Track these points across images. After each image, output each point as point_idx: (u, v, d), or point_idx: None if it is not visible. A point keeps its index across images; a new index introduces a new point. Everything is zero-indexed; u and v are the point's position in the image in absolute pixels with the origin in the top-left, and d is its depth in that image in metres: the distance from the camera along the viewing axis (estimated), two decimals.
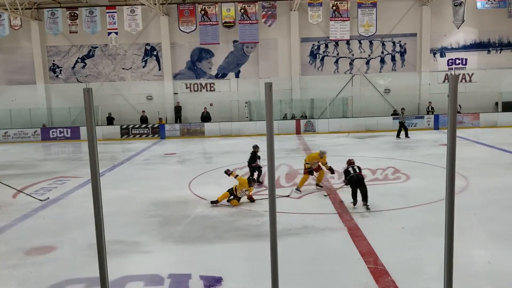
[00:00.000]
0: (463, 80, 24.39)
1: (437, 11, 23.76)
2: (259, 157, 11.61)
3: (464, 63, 24.52)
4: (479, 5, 22.75)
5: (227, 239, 7.59)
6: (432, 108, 23.45)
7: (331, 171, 10.74)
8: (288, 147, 18.42)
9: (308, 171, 10.65)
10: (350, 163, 9.39)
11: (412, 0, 23.96)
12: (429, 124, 22.75)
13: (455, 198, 8.88)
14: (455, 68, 24.44)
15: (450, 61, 24.53)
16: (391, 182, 11.38)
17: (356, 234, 7.52)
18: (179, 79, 24.92)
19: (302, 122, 23.20)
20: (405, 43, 24.36)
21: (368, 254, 6.62)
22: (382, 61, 24.53)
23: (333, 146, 18.03)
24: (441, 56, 24.50)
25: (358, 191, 8.99)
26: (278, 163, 13.99)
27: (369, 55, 24.51)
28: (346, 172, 9.22)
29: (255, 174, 11.55)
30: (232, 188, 9.65)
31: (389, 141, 19.29)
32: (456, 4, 22.77)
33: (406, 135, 19.75)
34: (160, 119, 24.40)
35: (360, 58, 24.55)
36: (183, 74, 24.97)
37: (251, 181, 9.88)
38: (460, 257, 6.24)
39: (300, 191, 10.50)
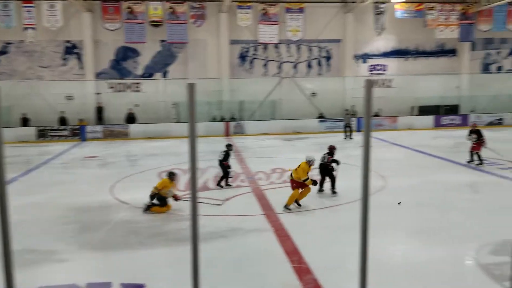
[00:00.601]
0: (383, 85, 25.74)
1: (360, 19, 24.89)
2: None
3: (384, 69, 25.90)
4: (398, 14, 24.15)
5: (151, 244, 7.34)
6: (354, 111, 24.44)
7: (315, 183, 9.66)
8: (216, 149, 18.19)
9: (299, 185, 9.28)
10: (330, 148, 10.75)
11: (337, 7, 24.89)
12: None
13: (374, 197, 9.24)
14: (376, 73, 25.75)
15: (372, 66, 25.81)
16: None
17: (282, 234, 7.62)
18: (102, 79, 23.86)
19: (232, 124, 23.22)
20: (331, 49, 25.25)
21: (293, 254, 6.73)
22: (309, 65, 25.25)
23: (261, 148, 18.24)
24: (364, 62, 25.69)
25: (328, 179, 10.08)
26: (206, 165, 13.88)
27: (296, 59, 25.11)
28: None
29: (224, 176, 11.36)
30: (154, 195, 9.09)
31: (315, 142, 19.82)
32: (377, 12, 24.07)
33: (350, 137, 20.73)
34: (81, 120, 23.19)
35: (288, 62, 25.07)
36: (106, 74, 23.95)
37: (171, 176, 9.27)
38: (379, 253, 6.54)
39: (289, 209, 9.11)
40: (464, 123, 24.54)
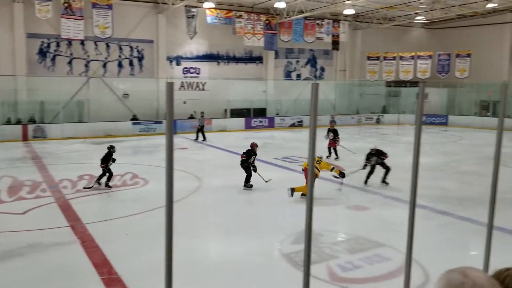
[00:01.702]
0: (197, 88, 26.39)
1: (172, 21, 24.97)
2: (113, 159, 11.23)
3: (198, 72, 26.58)
4: (209, 19, 25.04)
5: None
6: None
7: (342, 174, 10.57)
8: (12, 156, 16.12)
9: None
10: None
11: (148, 7, 24.47)
12: None
13: (190, 198, 9.30)
14: (190, 76, 26.24)
15: (186, 69, 26.21)
16: (129, 188, 11.27)
17: (90, 246, 7.11)
18: None
19: (30, 127, 20.68)
20: (143, 49, 24.71)
21: (102, 265, 6.36)
22: (120, 65, 24.24)
23: (67, 153, 16.76)
24: (177, 64, 25.90)
25: None
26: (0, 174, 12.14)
27: (106, 58, 23.82)
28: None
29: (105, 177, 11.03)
30: None
31: (129, 146, 19.16)
32: (189, 16, 24.53)
33: (204, 138, 20.92)
34: None
35: (97, 60, 23.62)
36: None
37: None
38: (193, 252, 6.63)
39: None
40: (270, 124, 26.98)
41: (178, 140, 20.80)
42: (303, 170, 10.77)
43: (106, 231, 7.88)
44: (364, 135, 23.33)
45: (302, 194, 9.92)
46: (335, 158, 15.52)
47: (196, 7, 24.28)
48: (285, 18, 26.63)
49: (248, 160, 10.98)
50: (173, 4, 23.15)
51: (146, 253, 6.83)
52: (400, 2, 25.28)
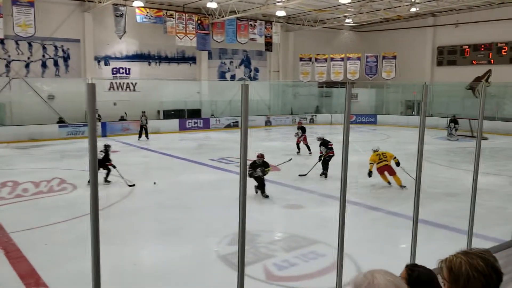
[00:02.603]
0: (128, 89, 25.58)
1: (100, 20, 24.01)
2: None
3: (128, 72, 25.76)
4: (138, 18, 24.36)
5: None
6: (99, 115, 23.56)
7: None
8: None
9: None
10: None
11: (73, 5, 23.34)
12: (98, 132, 22.76)
13: (121, 203, 8.97)
14: (119, 76, 25.39)
15: (115, 69, 25.32)
16: (56, 194, 10.69)
17: (14, 256, 6.68)
18: None
19: None
20: (69, 48, 23.53)
21: (29, 276, 6.03)
22: (44, 65, 22.89)
23: None
24: (106, 64, 24.94)
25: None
26: None
27: (28, 58, 22.40)
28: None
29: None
30: None
31: (55, 150, 18.18)
32: (117, 15, 23.72)
33: (147, 137, 21.53)
34: None
35: (19, 60, 22.16)
36: None
37: None
38: (124, 260, 6.40)
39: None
40: (206, 125, 26.76)
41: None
42: (382, 166, 11.23)
43: (31, 240, 7.42)
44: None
45: (402, 186, 10.97)
46: (309, 153, 16.43)
47: (124, 5, 23.54)
48: (218, 18, 26.56)
49: (252, 173, 10.08)
50: (100, 2, 22.26)
51: (74, 261, 6.50)
52: (329, 5, 26.12)
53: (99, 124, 22.82)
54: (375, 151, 11.46)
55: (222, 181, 12.37)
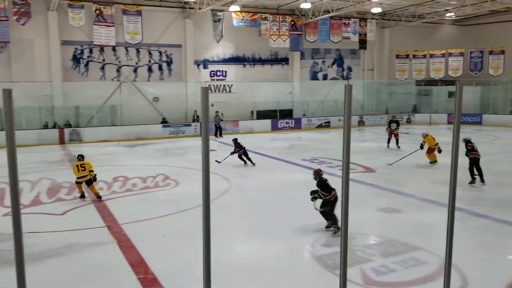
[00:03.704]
0: (224, 91, 26.62)
1: (199, 25, 25.30)
2: None
3: (224, 75, 26.82)
4: (234, 22, 25.24)
5: None
6: (198, 116, 24.84)
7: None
8: (50, 159, 16.67)
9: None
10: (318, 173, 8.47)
11: (176, 12, 24.88)
12: (196, 131, 24.02)
13: (219, 200, 9.38)
14: (217, 79, 26.50)
15: (212, 72, 26.48)
16: (161, 189, 11.48)
17: (126, 246, 7.29)
18: None
19: (67, 131, 21.40)
20: (171, 53, 25.13)
21: (138, 265, 6.50)
22: (150, 69, 24.72)
23: (102, 156, 17.17)
24: (204, 67, 26.20)
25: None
26: (38, 176, 12.59)
27: (136, 63, 24.34)
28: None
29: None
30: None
31: (159, 148, 19.51)
32: (215, 20, 24.77)
33: (220, 135, 22.91)
34: None
35: (128, 65, 24.16)
36: None
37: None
38: (223, 253, 6.69)
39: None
40: (297, 126, 26.89)
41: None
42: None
43: (140, 232, 8.03)
44: None
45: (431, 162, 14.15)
46: (398, 147, 16.94)
47: (222, 11, 24.51)
48: (311, 18, 26.53)
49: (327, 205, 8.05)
50: (199, 9, 23.44)
51: (180, 253, 6.97)
52: None
53: (197, 124, 24.10)
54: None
55: (313, 182, 12.32)
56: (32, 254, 6.74)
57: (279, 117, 27.08)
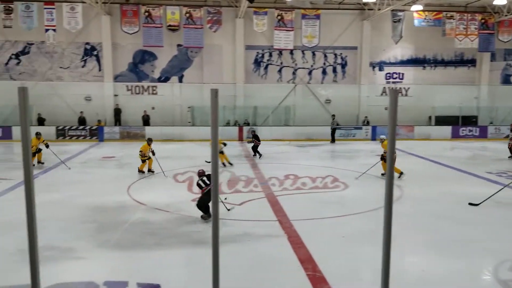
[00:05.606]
0: (400, 94, 25.57)
1: (377, 26, 24.82)
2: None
3: (401, 77, 25.78)
4: (416, 22, 24.04)
5: (166, 245, 7.41)
6: (368, 121, 24.44)
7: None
8: (230, 153, 18.35)
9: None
10: (200, 174, 9.08)
11: (353, 14, 24.87)
12: (366, 135, 23.65)
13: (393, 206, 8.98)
14: (392, 82, 25.64)
15: (388, 75, 25.70)
16: (330, 190, 11.65)
17: (296, 242, 7.56)
18: (120, 81, 24.18)
19: (245, 128, 23.30)
20: (346, 56, 25.22)
21: (307, 262, 6.65)
22: (324, 72, 25.25)
23: (274, 154, 18.24)
24: (380, 69, 25.60)
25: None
26: (220, 169, 13.95)
27: (311, 66, 25.13)
28: (198, 185, 8.90)
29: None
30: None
31: (328, 150, 19.82)
32: (395, 20, 23.97)
33: (333, 140, 22.29)
34: (99, 121, 23.54)
35: (303, 68, 25.11)
36: (124, 76, 24.27)
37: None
38: (394, 264, 6.49)
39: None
40: (482, 135, 24.30)
41: (373, 147, 20.52)
42: None
43: (309, 229, 8.27)
44: None
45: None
46: None
47: (402, 10, 23.59)
48: (505, 16, 23.62)
49: None
50: (379, 9, 22.98)
51: (347, 256, 6.98)
52: None
53: (368, 127, 23.67)
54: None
55: (501, 198, 11.01)
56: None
57: (461, 123, 24.85)
